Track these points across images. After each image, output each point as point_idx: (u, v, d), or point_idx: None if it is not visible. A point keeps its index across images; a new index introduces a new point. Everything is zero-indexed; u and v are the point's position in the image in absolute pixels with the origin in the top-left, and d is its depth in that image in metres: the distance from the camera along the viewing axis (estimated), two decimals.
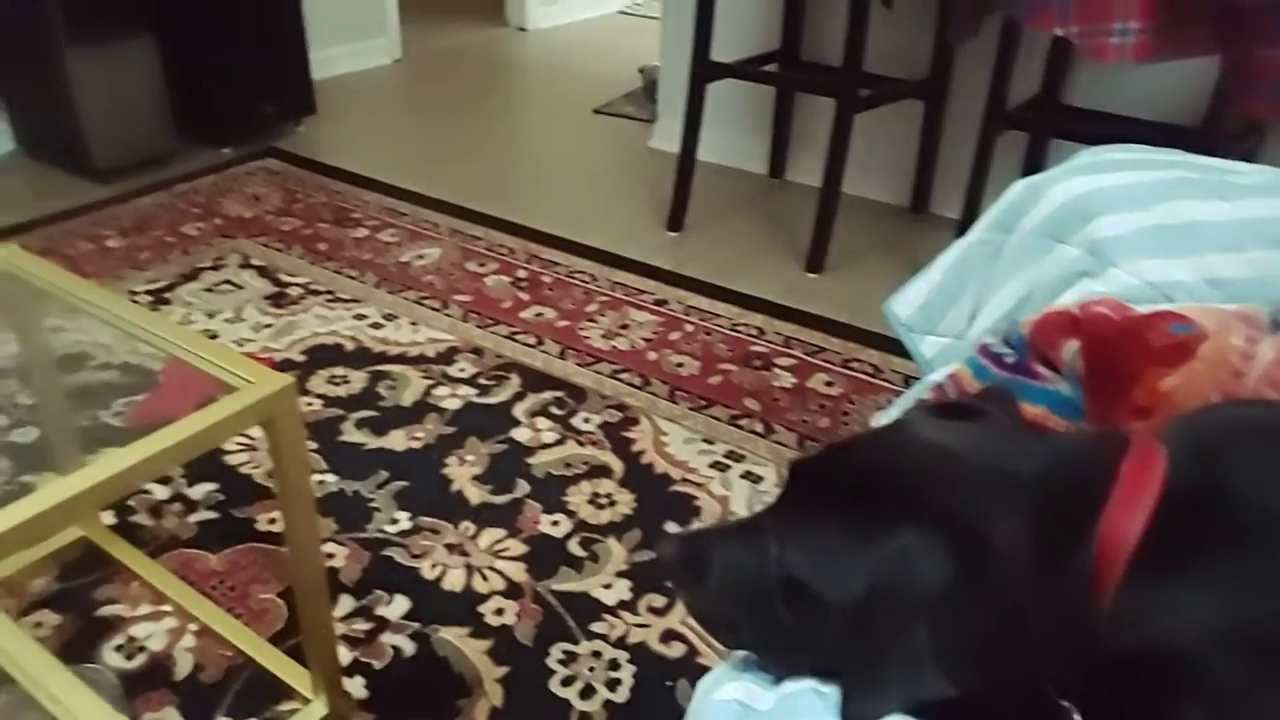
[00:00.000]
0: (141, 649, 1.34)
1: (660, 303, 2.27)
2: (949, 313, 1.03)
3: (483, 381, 1.95)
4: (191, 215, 2.70)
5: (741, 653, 0.68)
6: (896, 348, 2.07)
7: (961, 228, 2.25)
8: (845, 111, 2.24)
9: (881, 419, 1.01)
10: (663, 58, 3.16)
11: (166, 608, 1.40)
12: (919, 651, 0.54)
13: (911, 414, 0.67)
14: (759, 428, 1.83)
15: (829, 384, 1.97)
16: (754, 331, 2.15)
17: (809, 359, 2.05)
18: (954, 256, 1.03)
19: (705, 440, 1.79)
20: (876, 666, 0.56)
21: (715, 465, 1.72)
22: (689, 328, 2.17)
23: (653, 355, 2.06)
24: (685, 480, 1.68)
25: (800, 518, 0.62)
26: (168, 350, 1.14)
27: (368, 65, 4.10)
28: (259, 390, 1.01)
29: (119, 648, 1.34)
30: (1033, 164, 2.42)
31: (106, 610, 1.40)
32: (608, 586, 1.46)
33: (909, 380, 1.98)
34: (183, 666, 1.32)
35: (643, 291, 2.32)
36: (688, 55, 2.51)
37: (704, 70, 2.46)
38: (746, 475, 1.70)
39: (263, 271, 2.39)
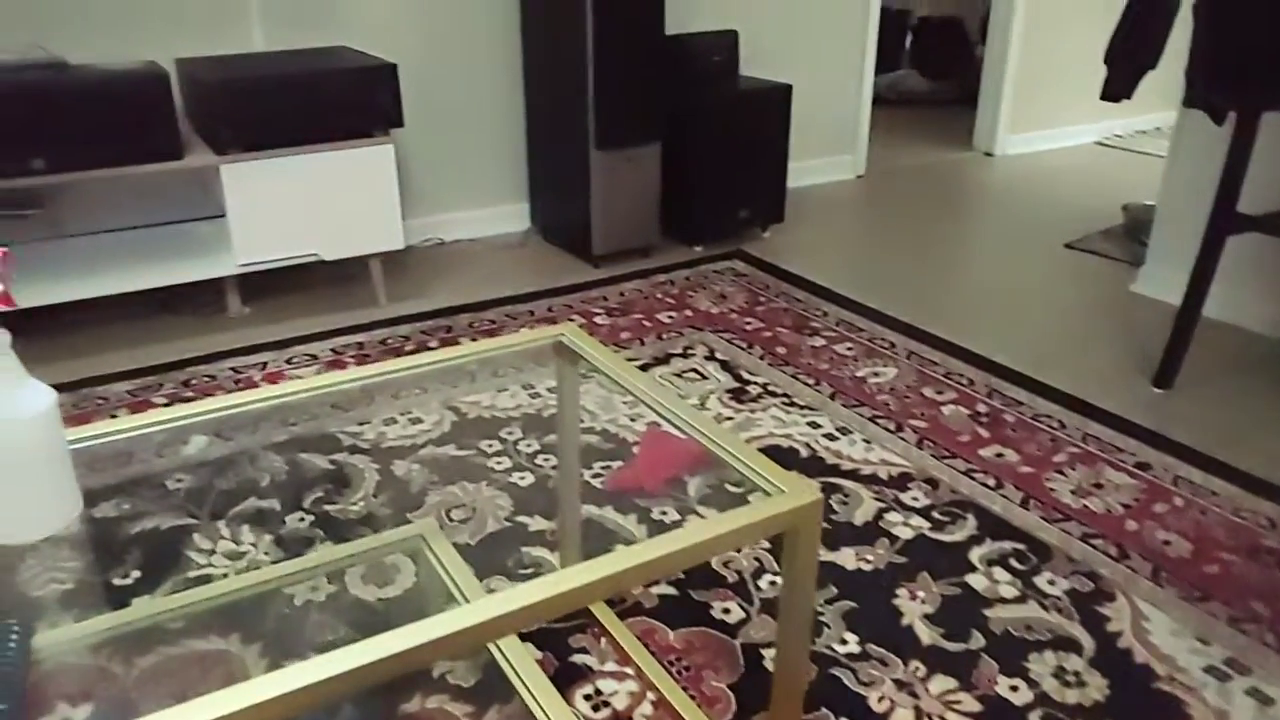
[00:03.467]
0: (606, 703, 1.44)
1: (1142, 466, 2.06)
2: None
3: (937, 515, 1.89)
4: (666, 304, 2.96)
5: None
6: None
7: None
8: None
9: None
10: (1162, 198, 2.92)
11: (629, 670, 1.50)
12: None
13: None
14: (1269, 638, 1.56)
15: None
16: (1263, 522, 1.87)
17: None
18: None
19: (1198, 639, 1.56)
20: None
21: (1211, 670, 1.50)
22: (1178, 501, 1.94)
23: (1132, 525, 1.86)
24: (1172, 679, 1.48)
25: None
26: (702, 441, 1.23)
27: (832, 179, 4.28)
28: (791, 501, 1.06)
29: (587, 696, 1.46)
30: None
31: (579, 658, 1.53)
32: None
33: None
34: None
35: (1121, 450, 2.12)
36: (1194, 198, 2.30)
37: (1228, 223, 2.23)
38: (1253, 692, 1.45)
39: (726, 366, 2.54)
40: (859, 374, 2.49)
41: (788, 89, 3.41)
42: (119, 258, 2.72)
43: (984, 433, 2.20)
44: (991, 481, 2.00)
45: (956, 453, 2.12)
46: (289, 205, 2.70)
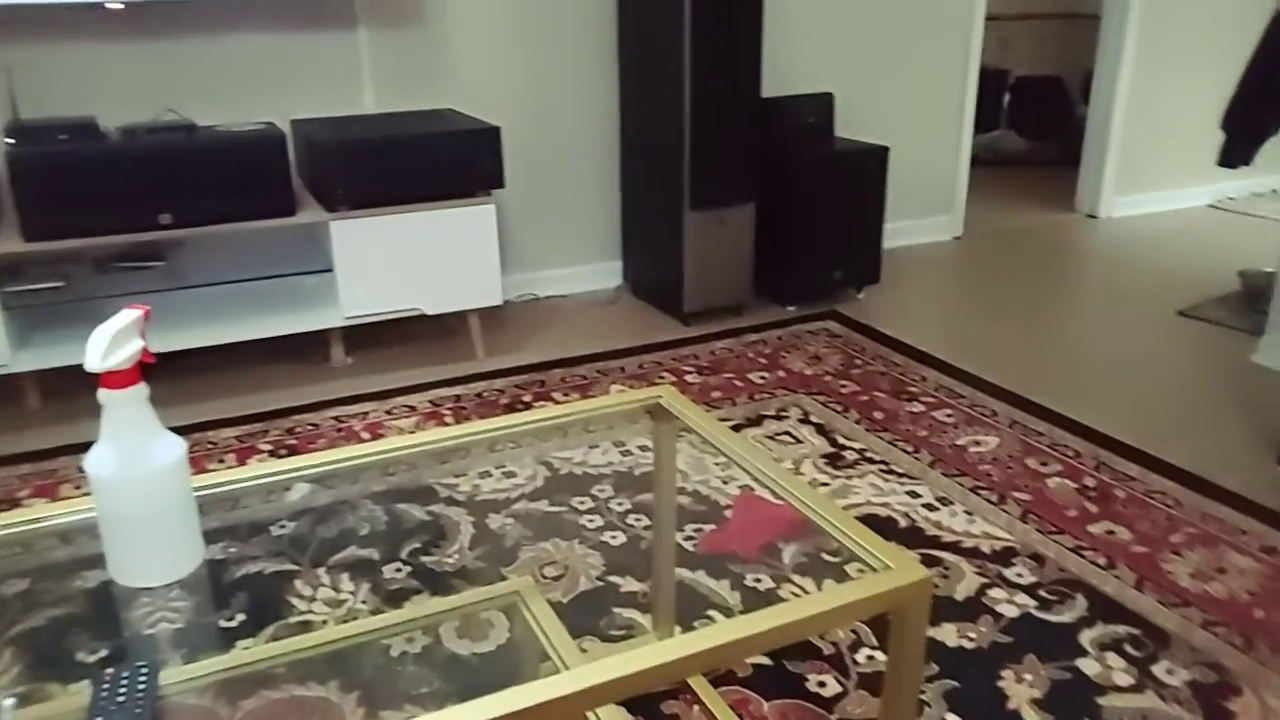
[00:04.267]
0: None
1: (1268, 550, 1.94)
2: None
3: (1043, 594, 1.81)
4: (758, 365, 2.95)
5: None
6: None
7: None
8: None
9: None
10: None
11: None
12: None
13: None
14: None
15: None
16: None
17: None
18: None
19: None
20: None
21: None
22: None
23: (1259, 613, 1.75)
24: None
25: None
26: (798, 507, 1.20)
27: (928, 240, 4.22)
28: (899, 579, 1.02)
29: None
30: None
31: None
32: None
33: None
34: None
35: (1244, 532, 2.01)
36: None
37: None
38: None
39: (821, 430, 2.50)
40: (959, 442, 2.42)
41: (884, 151, 3.40)
42: (233, 309, 2.85)
43: (1093, 508, 2.11)
44: (1102, 560, 1.92)
45: (1064, 528, 2.03)
46: (394, 261, 2.79)
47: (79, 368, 2.57)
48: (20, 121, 2.60)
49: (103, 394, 0.92)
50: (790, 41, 3.70)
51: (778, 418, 2.58)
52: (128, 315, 0.92)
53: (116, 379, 0.91)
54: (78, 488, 2.25)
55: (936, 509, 2.12)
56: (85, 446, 2.54)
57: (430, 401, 2.71)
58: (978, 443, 2.42)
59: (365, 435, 2.49)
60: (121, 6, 2.65)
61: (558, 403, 2.71)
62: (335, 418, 2.60)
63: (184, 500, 1.00)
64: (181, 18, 2.84)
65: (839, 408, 2.63)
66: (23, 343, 2.58)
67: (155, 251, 2.86)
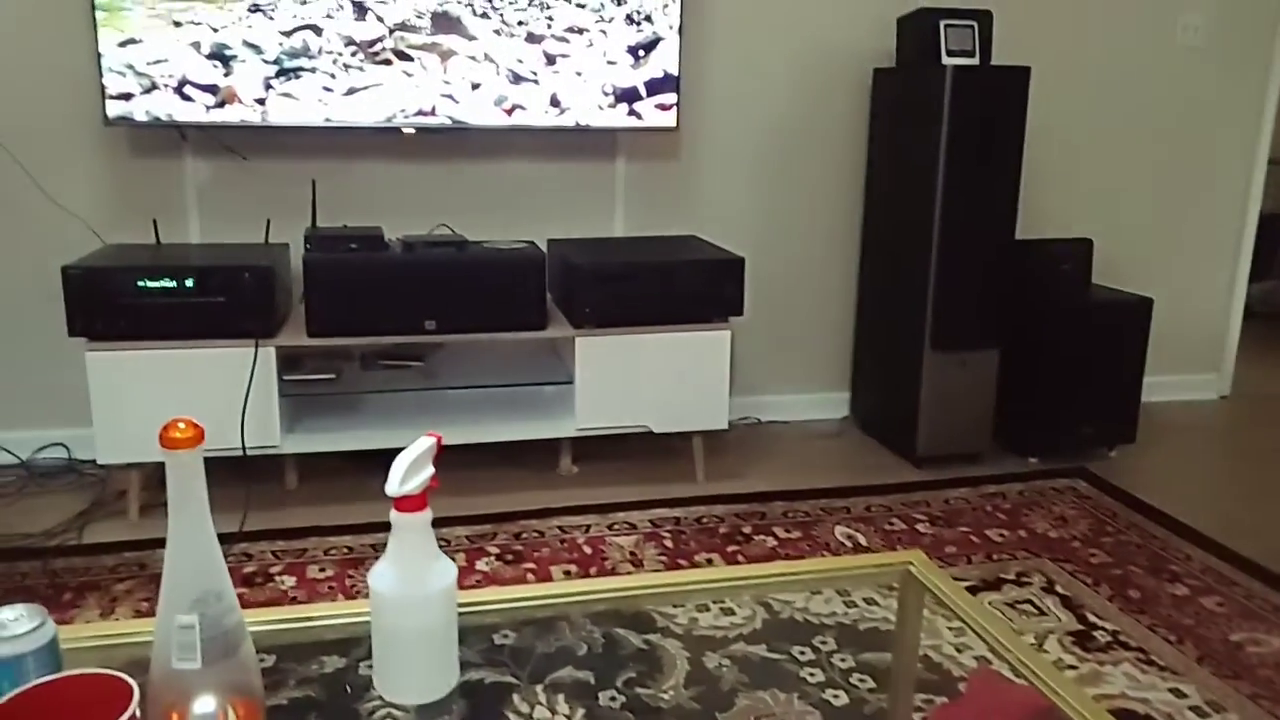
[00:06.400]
0: None
1: None
2: None
3: None
4: (996, 520, 2.76)
5: None
6: None
7: None
8: None
9: None
10: None
11: None
12: None
13: None
14: None
15: None
16: None
17: None
18: None
19: None
20: None
21: None
22: None
23: None
24: None
25: None
26: (1045, 692, 1.09)
27: (1191, 397, 3.87)
28: None
29: None
30: None
31: None
32: None
33: None
34: None
35: None
36: None
37: None
38: None
39: (1067, 602, 2.29)
40: (1234, 638, 2.14)
41: (1147, 304, 3.18)
42: (478, 411, 3.00)
43: None
44: None
45: None
46: (629, 379, 2.86)
47: (336, 454, 2.78)
48: (317, 229, 2.91)
49: (394, 516, 0.97)
50: (1049, 184, 3.58)
51: (1018, 583, 2.39)
52: (423, 443, 0.98)
53: (408, 503, 0.96)
54: (322, 569, 2.41)
55: (1207, 715, 1.86)
56: (334, 529, 2.71)
57: (650, 521, 2.71)
58: (1256, 642, 2.13)
59: (586, 549, 2.52)
60: (413, 132, 2.94)
61: (779, 539, 2.64)
62: (560, 527, 2.66)
63: (448, 624, 1.04)
64: (463, 143, 3.12)
65: (1088, 579, 2.40)
66: (292, 427, 2.83)
67: (416, 353, 3.09)
